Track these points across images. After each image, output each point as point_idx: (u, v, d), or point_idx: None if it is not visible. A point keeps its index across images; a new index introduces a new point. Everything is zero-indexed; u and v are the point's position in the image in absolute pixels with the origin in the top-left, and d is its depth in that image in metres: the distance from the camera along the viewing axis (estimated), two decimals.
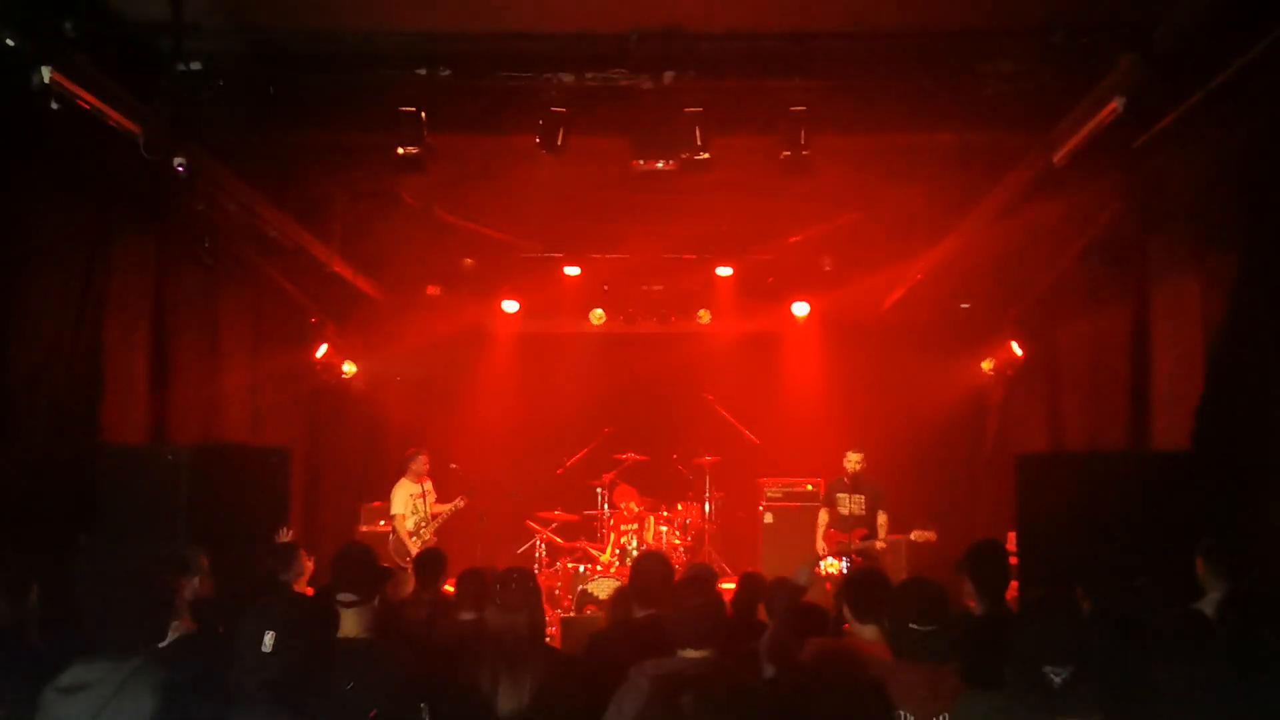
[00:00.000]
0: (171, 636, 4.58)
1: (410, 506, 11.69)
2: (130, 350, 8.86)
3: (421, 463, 11.84)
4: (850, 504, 11.17)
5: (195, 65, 7.33)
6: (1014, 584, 7.22)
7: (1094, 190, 8.47)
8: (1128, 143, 7.41)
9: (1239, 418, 7.34)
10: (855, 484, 11.21)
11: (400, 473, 11.88)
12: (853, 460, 11.25)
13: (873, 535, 11.00)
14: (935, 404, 13.14)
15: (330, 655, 3.48)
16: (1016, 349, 11.84)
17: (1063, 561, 7.12)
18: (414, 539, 11.54)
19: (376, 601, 4.66)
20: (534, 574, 5.57)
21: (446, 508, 11.91)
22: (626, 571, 9.87)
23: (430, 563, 7.57)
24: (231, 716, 3.28)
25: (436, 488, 12.10)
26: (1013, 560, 7.62)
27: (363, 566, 4.76)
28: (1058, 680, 3.14)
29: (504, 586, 5.13)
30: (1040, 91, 7.41)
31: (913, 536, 10.96)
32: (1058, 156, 7.57)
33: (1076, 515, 7.36)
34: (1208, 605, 5.14)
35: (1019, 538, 8.09)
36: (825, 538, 11.20)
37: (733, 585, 7.40)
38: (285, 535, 8.12)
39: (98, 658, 3.77)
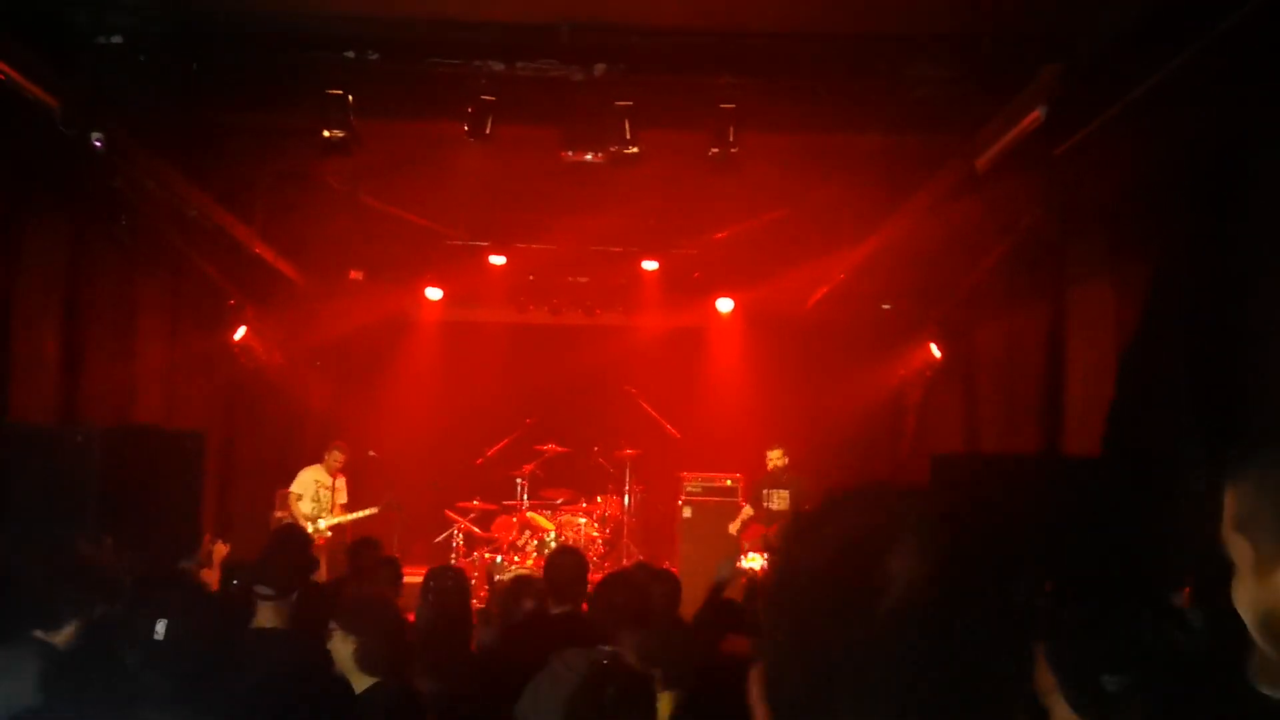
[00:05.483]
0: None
1: (312, 492, 11.51)
2: (41, 330, 8.63)
3: (336, 457, 11.69)
4: (776, 499, 11.38)
5: (116, 39, 7.15)
6: None
7: (1015, 195, 8.60)
8: (1048, 150, 7.53)
9: (1148, 423, 7.51)
10: (778, 480, 11.40)
11: (316, 459, 11.74)
12: (774, 457, 11.43)
13: None
14: (855, 402, 13.26)
15: (233, 647, 3.41)
16: (935, 350, 12.01)
17: None
18: (308, 524, 11.37)
19: (295, 597, 4.58)
20: (464, 572, 5.49)
21: (357, 514, 11.64)
22: (542, 563, 9.88)
23: (366, 553, 7.42)
24: (125, 708, 3.18)
25: (355, 481, 11.94)
26: None
27: (289, 558, 4.68)
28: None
29: (439, 582, 5.10)
30: (965, 97, 7.50)
31: None
32: (980, 161, 7.68)
33: (989, 517, 7.49)
34: None
35: None
36: (747, 533, 11.30)
37: None
38: (208, 544, 7.85)
39: None
